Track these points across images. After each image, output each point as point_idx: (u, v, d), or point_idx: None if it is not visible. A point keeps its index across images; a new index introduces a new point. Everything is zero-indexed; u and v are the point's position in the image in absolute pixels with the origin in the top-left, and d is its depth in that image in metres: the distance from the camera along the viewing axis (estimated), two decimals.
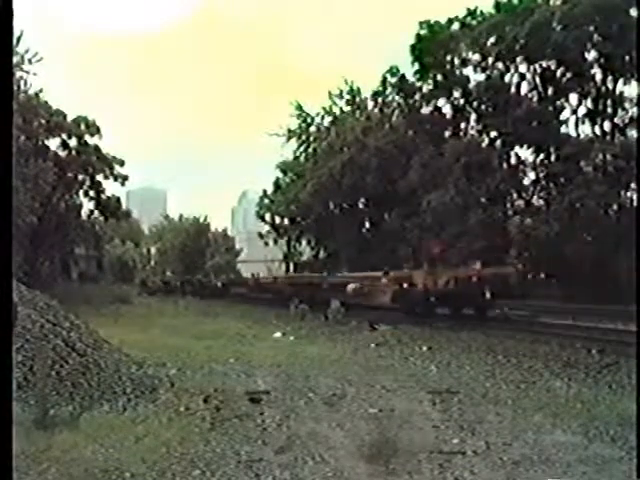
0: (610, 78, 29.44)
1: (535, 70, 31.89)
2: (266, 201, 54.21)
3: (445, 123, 36.86)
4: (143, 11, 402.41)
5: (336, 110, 47.90)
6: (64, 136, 38.91)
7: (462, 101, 35.58)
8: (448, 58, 34.89)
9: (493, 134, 34.08)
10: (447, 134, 36.46)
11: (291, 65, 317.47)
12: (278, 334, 19.08)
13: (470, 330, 17.84)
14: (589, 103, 30.65)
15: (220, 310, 30.75)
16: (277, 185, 52.92)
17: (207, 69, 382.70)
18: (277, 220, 53.40)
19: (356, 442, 6.78)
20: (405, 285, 21.81)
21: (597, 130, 30.48)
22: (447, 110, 36.99)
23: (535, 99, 32.29)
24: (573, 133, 31.46)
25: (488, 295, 20.63)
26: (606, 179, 28.04)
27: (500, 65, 32.99)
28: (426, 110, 37.52)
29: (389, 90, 41.04)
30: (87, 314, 15.99)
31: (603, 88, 29.83)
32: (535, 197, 33.64)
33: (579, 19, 27.81)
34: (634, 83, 28.16)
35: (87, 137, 39.87)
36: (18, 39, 27.94)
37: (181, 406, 8.44)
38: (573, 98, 31.19)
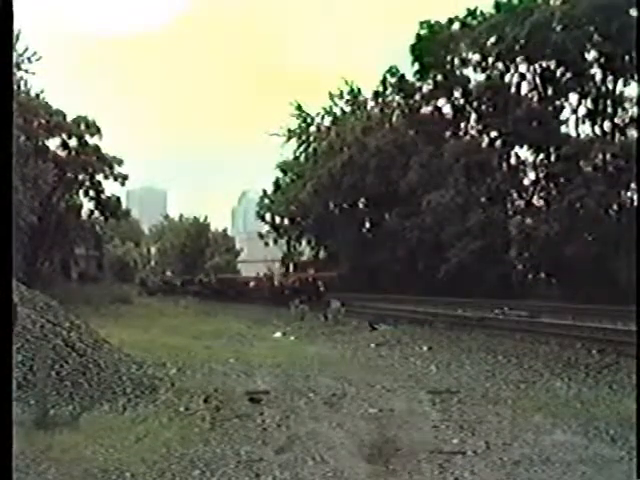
0: (610, 78, 29.42)
1: (535, 70, 31.89)
2: (266, 201, 54.17)
3: (445, 123, 36.86)
4: (142, 11, 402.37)
5: (336, 110, 47.95)
6: (64, 136, 38.88)
7: (462, 101, 35.58)
8: (448, 58, 34.90)
9: (493, 134, 34.08)
10: (447, 134, 36.46)
11: (291, 65, 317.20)
12: (278, 334, 19.09)
13: (470, 330, 17.85)
14: (589, 103, 30.64)
15: (220, 310, 30.75)
16: (277, 185, 52.88)
17: (207, 69, 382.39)
18: (277, 220, 53.37)
19: (356, 442, 6.78)
20: (275, 283, 33.46)
21: (597, 130, 30.48)
22: (447, 110, 37.02)
23: (535, 99, 32.29)
24: (573, 133, 31.48)
25: (322, 289, 31.33)
26: (606, 179, 28.04)
27: (500, 65, 32.99)
28: (426, 110, 37.53)
29: (389, 90, 41.04)
30: (87, 314, 16.02)
31: (603, 88, 29.81)
32: (535, 197, 33.64)
33: (579, 19, 27.82)
34: (634, 83, 28.17)
35: (87, 137, 39.86)
36: (17, 37, 27.92)
37: (181, 406, 8.44)
38: (573, 98, 31.20)
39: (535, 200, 33.54)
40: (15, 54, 27.89)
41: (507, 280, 31.22)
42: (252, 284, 36.17)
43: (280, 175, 52.89)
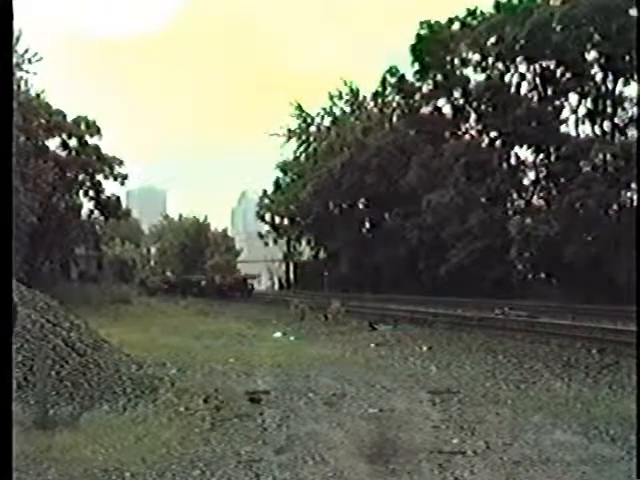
0: (610, 78, 29.45)
1: (535, 70, 31.92)
2: (266, 201, 54.27)
3: (445, 123, 36.90)
4: (142, 11, 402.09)
5: (336, 110, 48.01)
6: (64, 136, 38.87)
7: (462, 101, 35.62)
8: (448, 58, 34.95)
9: (493, 134, 34.13)
10: (447, 134, 36.50)
11: (291, 65, 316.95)
12: (278, 334, 19.06)
13: (470, 330, 17.86)
14: (589, 103, 30.68)
15: (220, 310, 30.75)
16: (277, 185, 52.97)
17: (207, 68, 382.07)
18: (277, 220, 53.45)
19: (356, 442, 6.77)
20: (217, 282, 44.61)
21: (597, 130, 30.49)
22: (447, 110, 37.08)
23: (535, 99, 32.32)
24: (573, 133, 31.52)
25: (250, 286, 44.42)
26: (606, 179, 28.06)
27: (500, 65, 33.03)
28: (426, 110, 37.57)
29: (389, 90, 41.10)
30: (87, 314, 15.97)
31: (603, 88, 29.84)
32: (535, 197, 33.68)
33: (579, 19, 27.84)
34: (634, 83, 28.18)
35: (87, 137, 39.85)
36: (17, 38, 27.92)
37: (181, 406, 8.43)
38: (573, 98, 31.27)
39: (535, 200, 33.61)
40: (15, 54, 27.88)
41: (507, 280, 31.25)
42: (203, 283, 46.85)
43: (280, 175, 53.04)
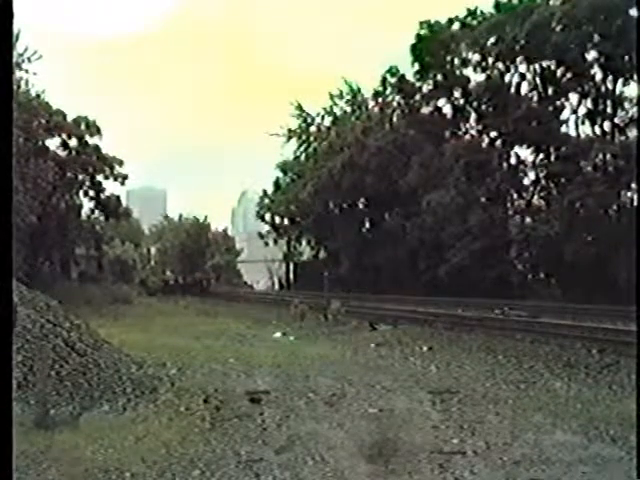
0: (610, 78, 29.43)
1: (535, 70, 31.90)
2: (266, 201, 54.25)
3: (445, 123, 36.86)
4: (141, 12, 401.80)
5: (336, 110, 47.99)
6: (64, 136, 38.91)
7: (462, 101, 35.59)
8: (448, 58, 34.91)
9: (493, 134, 34.08)
10: (447, 134, 36.46)
11: (291, 65, 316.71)
12: (278, 334, 19.07)
13: (470, 330, 17.86)
14: (589, 103, 30.65)
15: (220, 310, 30.77)
16: (277, 185, 52.95)
17: (208, 69, 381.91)
18: (277, 220, 53.44)
19: (356, 442, 6.78)
20: (179, 281, 55.28)
21: (597, 130, 30.48)
22: (447, 110, 37.03)
23: (535, 99, 32.30)
24: (573, 133, 31.50)
25: (205, 285, 54.69)
26: (606, 179, 28.05)
27: (500, 65, 33.00)
28: (426, 110, 37.54)
29: (389, 90, 41.06)
30: (87, 314, 16.00)
31: (603, 88, 29.82)
32: (535, 197, 33.66)
33: (579, 19, 27.83)
34: (634, 83, 28.18)
35: (87, 137, 39.89)
36: (16, 37, 27.88)
37: (181, 406, 8.44)
38: (573, 98, 31.22)
39: (535, 200, 33.57)
40: (15, 54, 27.87)
41: (507, 280, 31.22)
42: (171, 282, 56.41)
43: (280, 175, 53.01)
